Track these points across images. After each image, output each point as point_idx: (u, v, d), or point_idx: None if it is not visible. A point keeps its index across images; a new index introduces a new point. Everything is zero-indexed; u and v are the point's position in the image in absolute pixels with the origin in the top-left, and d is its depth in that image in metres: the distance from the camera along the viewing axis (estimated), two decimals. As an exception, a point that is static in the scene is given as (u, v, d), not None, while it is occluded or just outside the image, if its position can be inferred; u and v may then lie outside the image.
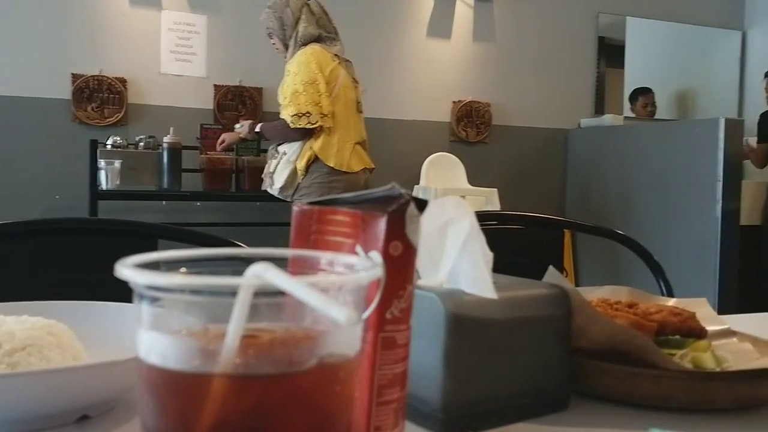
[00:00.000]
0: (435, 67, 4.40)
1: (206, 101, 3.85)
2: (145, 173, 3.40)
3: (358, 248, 0.45)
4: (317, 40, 2.67)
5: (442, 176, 4.14)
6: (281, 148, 2.70)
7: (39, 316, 0.61)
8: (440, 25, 4.39)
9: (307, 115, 2.54)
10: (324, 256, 0.39)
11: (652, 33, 4.97)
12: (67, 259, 1.02)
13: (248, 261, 0.42)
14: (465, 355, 0.53)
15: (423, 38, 4.36)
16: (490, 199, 3.95)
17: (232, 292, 0.31)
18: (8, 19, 3.52)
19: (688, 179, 3.73)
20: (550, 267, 0.66)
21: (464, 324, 0.53)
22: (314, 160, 2.59)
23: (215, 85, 3.87)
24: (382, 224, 0.44)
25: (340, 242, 0.46)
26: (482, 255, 0.53)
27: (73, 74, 3.62)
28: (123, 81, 3.70)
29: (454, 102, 4.47)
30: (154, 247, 1.02)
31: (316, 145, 2.58)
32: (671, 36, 5.02)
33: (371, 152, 3.95)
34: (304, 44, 2.65)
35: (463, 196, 4.02)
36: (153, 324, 0.32)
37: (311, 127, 2.55)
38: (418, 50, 4.36)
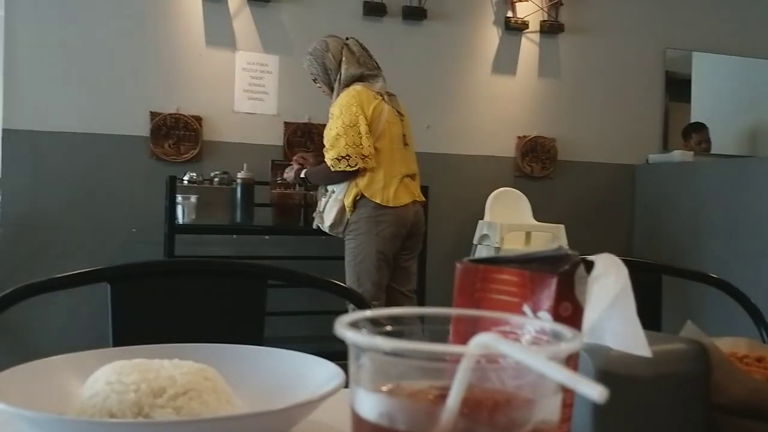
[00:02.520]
0: (500, 102, 4.41)
1: (277, 138, 3.95)
2: (219, 208, 3.49)
3: (526, 308, 0.46)
4: (360, 79, 2.71)
5: (507, 211, 4.14)
6: (330, 187, 2.73)
7: (189, 360, 0.64)
8: (505, 61, 4.42)
9: (347, 158, 2.57)
10: (513, 319, 0.40)
11: (720, 67, 4.88)
12: (182, 300, 1.06)
13: (430, 319, 0.45)
14: (612, 412, 0.53)
15: (488, 74, 4.39)
16: (557, 236, 3.91)
17: (455, 359, 0.32)
18: (90, 57, 3.71)
19: (765, 217, 3.60)
20: (688, 322, 0.65)
21: (612, 381, 0.53)
22: (360, 197, 2.62)
23: (285, 123, 3.97)
24: (552, 285, 0.45)
25: (506, 301, 0.47)
26: (635, 311, 0.53)
27: (151, 112, 3.78)
28: (198, 119, 3.84)
29: (519, 137, 4.46)
30: (263, 288, 1.06)
31: (361, 182, 2.61)
32: (739, 70, 4.91)
33: (435, 187, 4.03)
34: (347, 85, 2.70)
35: (529, 232, 4.00)
36: (373, 384, 0.34)
37: (350, 170, 2.59)
38: (484, 86, 4.39)
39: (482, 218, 4.10)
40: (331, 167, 2.61)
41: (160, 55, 3.80)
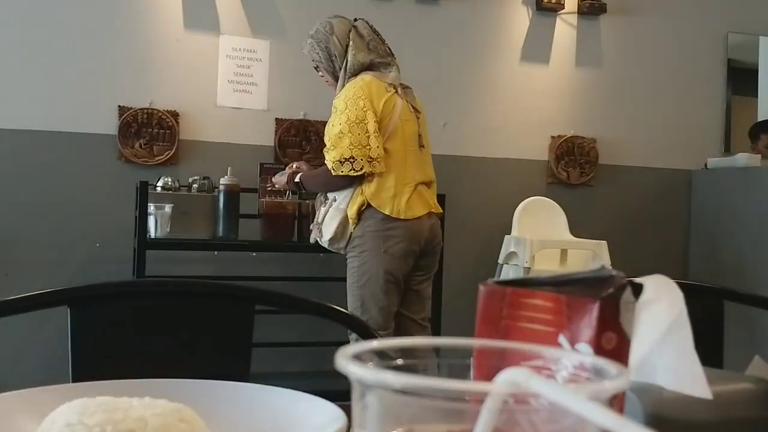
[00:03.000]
0: (531, 96, 4.43)
1: (267, 137, 3.98)
2: (198, 219, 3.50)
3: (562, 339, 0.46)
4: (369, 67, 2.71)
5: (539, 225, 4.14)
6: (330, 195, 2.73)
7: (162, 398, 0.64)
8: (537, 47, 4.44)
9: (351, 160, 2.57)
10: (547, 352, 0.40)
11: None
12: (155, 328, 1.07)
13: (445, 350, 0.45)
14: (665, 462, 0.53)
15: (516, 63, 4.41)
16: (599, 254, 3.91)
17: (478, 399, 0.32)
18: (49, 43, 3.74)
19: None
20: (756, 357, 0.65)
21: (666, 427, 0.53)
22: (366, 207, 2.62)
23: (277, 119, 4.00)
24: (593, 312, 0.45)
25: (538, 331, 0.47)
26: (692, 344, 0.53)
27: (119, 107, 3.81)
28: (175, 114, 3.86)
29: (552, 137, 4.48)
30: (251, 314, 1.06)
31: (368, 190, 2.61)
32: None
33: (453, 197, 4.01)
34: (354, 74, 2.69)
35: (565, 250, 3.99)
36: (381, 427, 0.34)
37: (355, 174, 2.58)
38: (511, 77, 4.40)
39: (509, 233, 4.11)
40: (332, 171, 2.61)
41: (131, 40, 3.84)
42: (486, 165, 4.34)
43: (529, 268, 3.85)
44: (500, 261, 4.09)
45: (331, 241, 2.70)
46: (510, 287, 0.49)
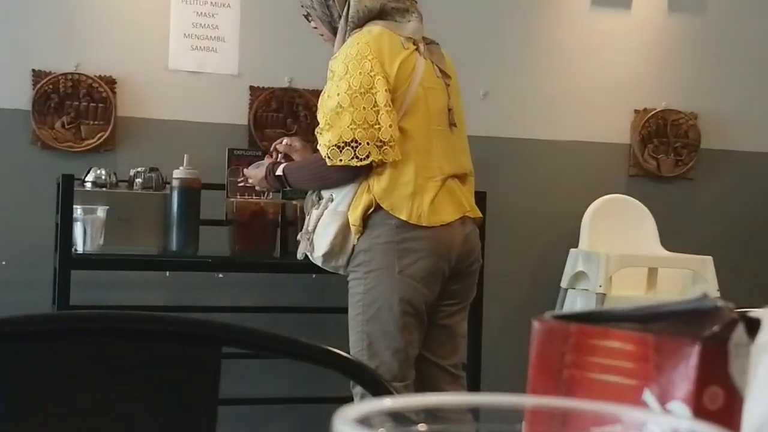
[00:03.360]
0: (605, 55, 4.42)
1: (238, 113, 3.98)
2: (143, 226, 3.51)
3: (648, 396, 0.46)
4: (380, 15, 2.70)
5: (617, 234, 4.13)
6: (325, 193, 2.72)
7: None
8: (613, -14, 4.45)
9: (353, 145, 2.55)
10: (628, 414, 0.40)
11: None
12: (82, 378, 1.07)
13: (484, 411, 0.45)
14: None
15: (585, 8, 4.40)
16: (701, 275, 3.90)
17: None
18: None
19: None
20: None
21: None
22: (375, 210, 2.61)
23: (252, 88, 3.99)
24: (692, 357, 0.45)
25: (615, 383, 0.47)
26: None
27: (34, 72, 3.83)
28: (110, 82, 3.87)
29: (636, 111, 4.47)
30: (217, 358, 1.06)
31: (377, 185, 2.59)
32: None
33: (498, 194, 3.97)
34: (359, 25, 2.68)
35: (654, 269, 3.98)
36: None
37: (358, 164, 2.58)
38: (577, 28, 4.39)
39: (575, 246, 4.10)
40: (327, 159, 2.61)
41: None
42: (542, 151, 4.32)
43: (604, 295, 3.83)
44: (563, 285, 4.08)
45: (327, 256, 2.70)
46: (576, 323, 0.49)
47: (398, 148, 2.62)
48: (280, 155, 2.99)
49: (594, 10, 4.41)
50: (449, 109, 2.78)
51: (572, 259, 4.07)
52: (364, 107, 2.58)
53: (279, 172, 2.89)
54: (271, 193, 3.53)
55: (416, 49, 2.73)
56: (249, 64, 4.01)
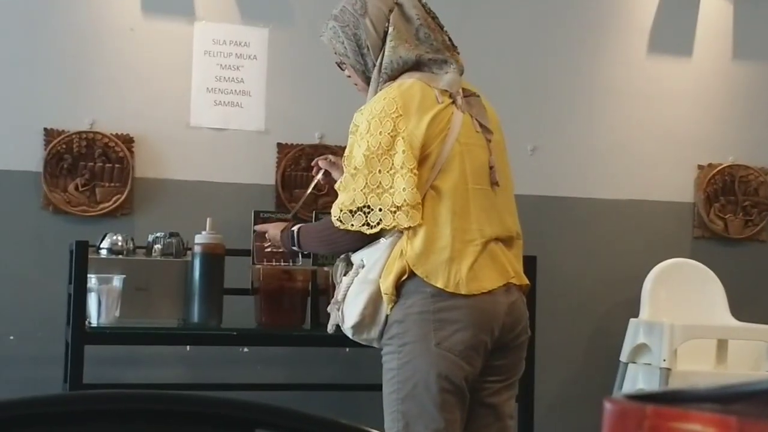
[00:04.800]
0: (665, 105, 4.42)
1: (265, 172, 4.00)
2: (162, 297, 3.52)
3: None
4: (416, 66, 2.71)
5: (682, 302, 4.11)
6: (355, 259, 2.71)
7: None
8: (673, 32, 4.44)
9: (365, 210, 2.57)
10: None
11: None
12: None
13: None
14: None
15: (642, 56, 4.42)
16: (779, 348, 3.85)
17: None
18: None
19: None
20: None
21: None
22: (409, 276, 2.58)
23: (280, 145, 4.02)
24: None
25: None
26: None
27: (45, 131, 3.87)
28: (128, 140, 3.91)
29: (700, 167, 4.46)
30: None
31: (410, 250, 2.54)
32: None
33: (549, 258, 3.97)
34: (392, 77, 2.68)
35: (724, 341, 3.90)
36: None
37: (369, 232, 2.56)
38: (633, 76, 4.40)
39: (636, 315, 4.06)
40: (338, 222, 2.60)
41: (63, 33, 3.90)
42: (598, 211, 4.32)
43: (669, 370, 3.78)
44: (623, 359, 4.04)
45: (357, 328, 2.66)
46: (652, 405, 0.49)
47: (419, 212, 2.60)
48: (320, 173, 3.01)
49: (652, 56, 4.42)
50: (491, 167, 2.76)
51: (632, 330, 4.03)
52: (379, 170, 2.58)
53: (294, 229, 2.89)
54: (300, 259, 3.53)
55: (452, 102, 2.72)
56: (276, 119, 4.04)
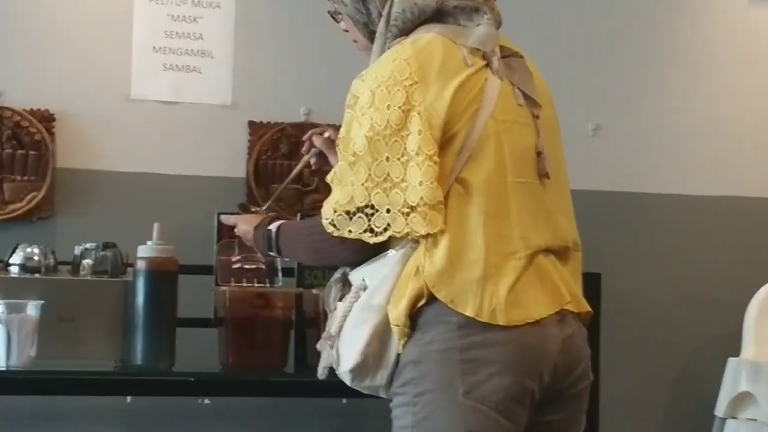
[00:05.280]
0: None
1: (232, 161, 4.04)
2: (94, 330, 3.53)
3: None
4: (436, 16, 2.72)
5: None
6: (356, 274, 2.67)
7: None
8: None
9: (368, 212, 2.50)
10: None
11: None
12: None
13: None
14: None
15: (743, 5, 4.44)
16: None
17: None
18: None
19: None
20: None
21: None
22: (428, 302, 2.54)
23: (252, 125, 4.05)
24: None
25: None
26: None
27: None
28: (47, 119, 3.92)
29: (822, 154, 4.47)
30: None
31: (429, 265, 2.47)
32: None
33: (618, 277, 4.02)
34: (405, 31, 2.69)
35: None
36: None
37: (372, 240, 2.51)
38: (730, 34, 4.44)
39: (736, 353, 4.07)
40: (331, 228, 2.56)
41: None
42: (682, 212, 4.36)
43: (783, 427, 3.81)
44: (719, 413, 4.04)
45: (358, 371, 2.62)
46: None
47: (441, 214, 2.57)
48: (313, 152, 2.96)
49: (755, 5, 4.44)
50: (538, 152, 2.72)
51: (732, 373, 4.03)
52: (387, 157, 2.52)
53: (272, 227, 2.85)
54: (280, 279, 3.52)
55: (486, 65, 2.69)
56: (247, 89, 4.07)
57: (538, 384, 2.60)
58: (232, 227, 3.47)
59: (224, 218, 3.09)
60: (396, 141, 2.53)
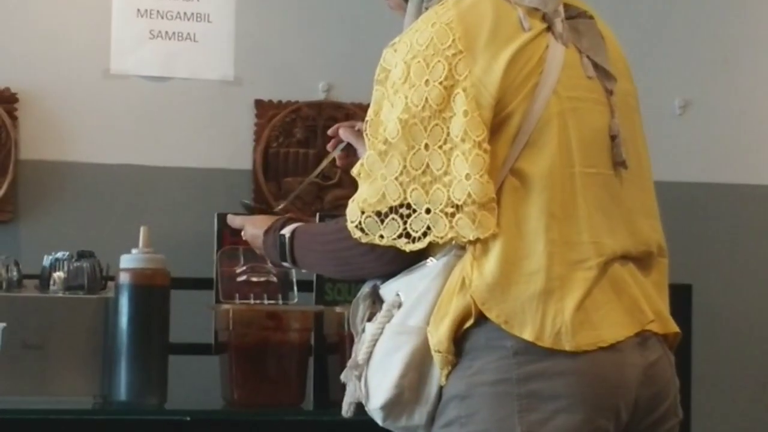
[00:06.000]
0: None
1: (236, 150, 4.07)
2: (68, 360, 3.56)
3: None
4: None
5: None
6: (388, 288, 2.66)
7: None
8: None
9: (403, 213, 2.50)
10: None
11: None
12: None
13: None
14: None
15: None
16: None
17: None
18: None
19: None
20: None
21: None
22: (477, 322, 2.53)
23: (260, 104, 4.08)
24: None
25: None
26: None
27: None
28: (8, 100, 3.96)
29: None
30: None
31: (478, 277, 2.47)
32: None
33: (709, 286, 4.04)
34: None
35: None
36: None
37: (409, 248, 2.50)
38: None
39: None
40: (358, 233, 2.56)
41: None
42: (748, 202, 4.36)
43: None
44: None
45: (392, 408, 2.62)
46: None
47: (493, 215, 2.56)
48: (340, 147, 2.96)
49: None
50: (613, 136, 2.71)
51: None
52: (426, 145, 2.52)
53: (286, 231, 2.85)
54: (296, 293, 3.52)
55: (547, 29, 2.69)
56: (254, 61, 4.09)
57: (614, 423, 2.59)
58: (238, 231, 3.49)
59: (230, 219, 3.07)
60: (437, 124, 2.51)
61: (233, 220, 3.01)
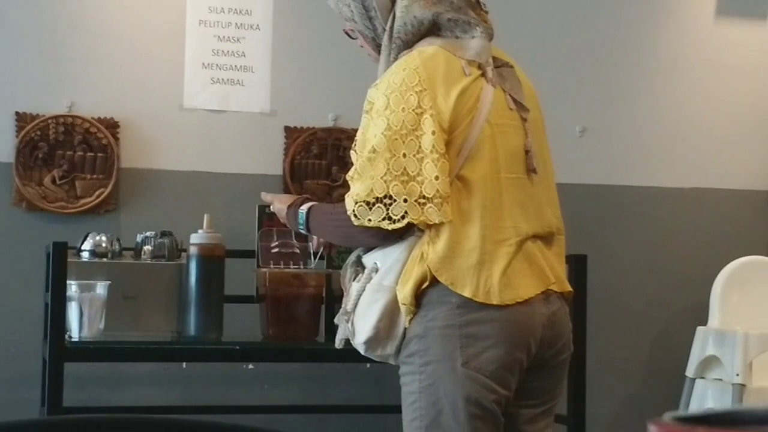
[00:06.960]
0: (735, 78, 4.38)
1: (271, 161, 4.01)
2: (154, 306, 3.54)
3: None
4: (434, 29, 2.66)
5: (757, 307, 4.07)
6: (367, 261, 2.70)
7: None
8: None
9: (386, 202, 2.53)
10: None
11: None
12: None
13: None
14: None
15: (709, 19, 4.37)
16: None
17: None
18: None
19: None
20: None
21: None
22: (431, 284, 2.57)
23: (288, 129, 4.03)
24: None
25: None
26: None
27: (17, 115, 3.89)
28: (112, 125, 3.92)
29: (779, 149, 4.41)
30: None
31: (432, 252, 2.49)
32: None
33: (599, 259, 3.92)
34: (408, 44, 2.64)
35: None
36: None
37: (390, 227, 2.50)
38: (699, 44, 4.36)
39: (704, 322, 4.03)
40: (353, 218, 2.55)
41: (37, 3, 3.89)
42: (658, 202, 4.29)
43: (744, 386, 3.75)
44: (689, 374, 4.01)
45: (371, 343, 2.61)
46: (704, 427, 0.50)
47: (449, 206, 2.54)
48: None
49: (720, 21, 4.38)
50: (527, 151, 2.69)
51: (700, 340, 3.99)
52: (404, 153, 2.51)
53: (303, 208, 2.84)
54: (313, 262, 3.49)
55: (482, 75, 2.65)
56: (283, 98, 4.04)
57: (527, 355, 2.59)
58: (273, 218, 3.48)
59: (263, 195, 3.10)
60: (412, 140, 2.53)
61: (265, 196, 3.03)
